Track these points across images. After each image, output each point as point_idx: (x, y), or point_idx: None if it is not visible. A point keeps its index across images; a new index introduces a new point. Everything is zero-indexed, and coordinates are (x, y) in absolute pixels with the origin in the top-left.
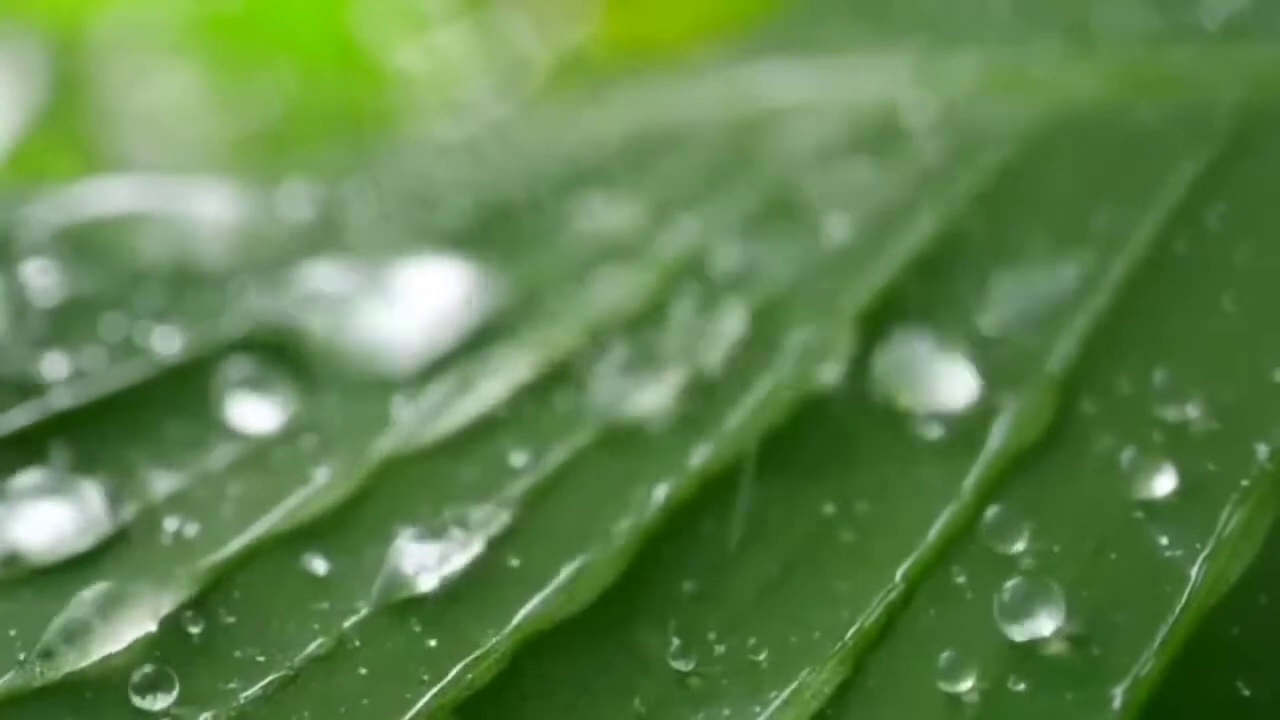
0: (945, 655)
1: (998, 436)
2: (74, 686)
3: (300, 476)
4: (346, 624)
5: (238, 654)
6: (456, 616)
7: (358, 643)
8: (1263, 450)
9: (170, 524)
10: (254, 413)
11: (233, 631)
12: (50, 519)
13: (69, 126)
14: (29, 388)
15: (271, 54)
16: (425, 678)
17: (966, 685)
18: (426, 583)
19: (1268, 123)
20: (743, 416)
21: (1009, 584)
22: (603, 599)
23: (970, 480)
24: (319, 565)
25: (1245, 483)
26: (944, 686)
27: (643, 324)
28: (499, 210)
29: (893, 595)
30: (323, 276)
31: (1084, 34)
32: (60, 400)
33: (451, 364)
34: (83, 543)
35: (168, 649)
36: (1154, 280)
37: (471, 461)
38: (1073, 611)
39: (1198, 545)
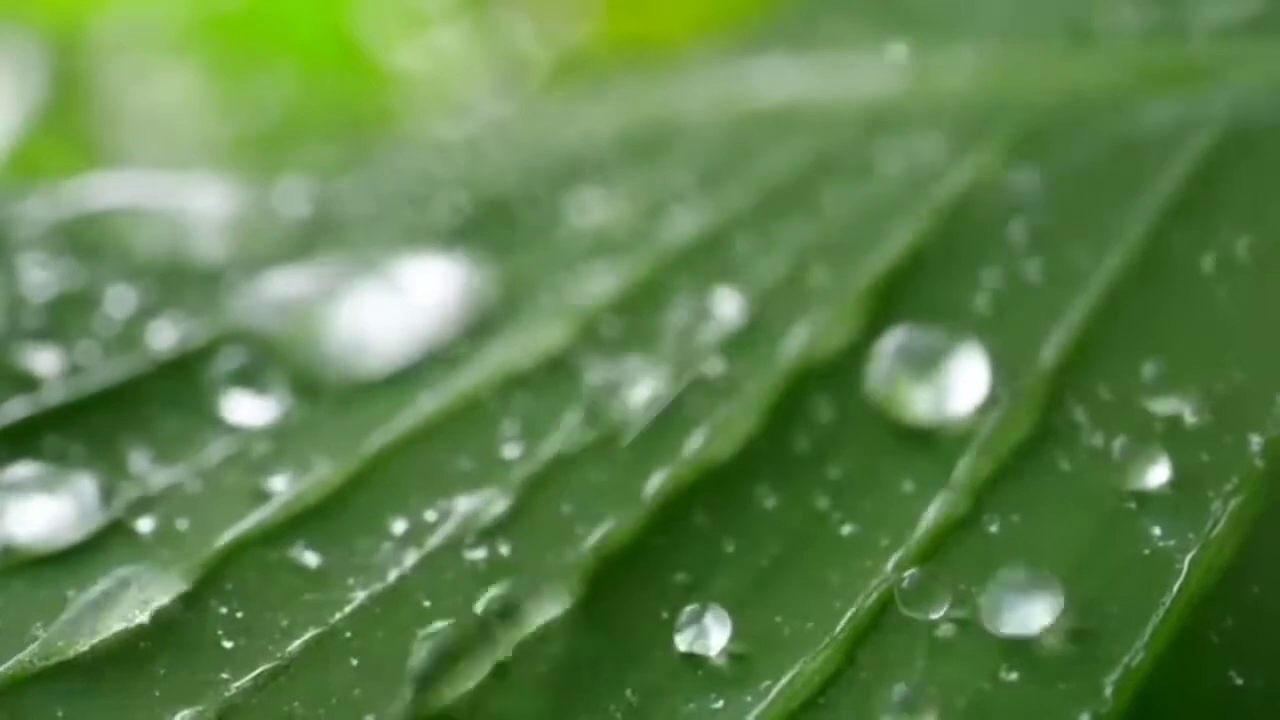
0: (939, 645)
1: (991, 428)
2: (66, 676)
3: (292, 469)
4: (337, 615)
5: (229, 645)
6: (448, 607)
7: (349, 634)
8: (1256, 442)
9: (163, 516)
10: (247, 407)
11: (224, 623)
12: (44, 511)
13: (69, 126)
14: (23, 381)
15: (271, 54)
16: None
17: (959, 676)
18: (417, 574)
19: (1265, 118)
20: (737, 408)
21: (1002, 575)
22: (594, 589)
23: (963, 472)
24: (310, 558)
25: (1238, 474)
26: (937, 676)
27: (636, 316)
28: (495, 206)
29: (885, 586)
30: (318, 271)
31: (1083, 30)
32: (54, 394)
33: (445, 357)
34: (76, 534)
35: (159, 639)
36: (1149, 273)
37: (464, 453)
38: (1065, 602)
39: (1190, 536)
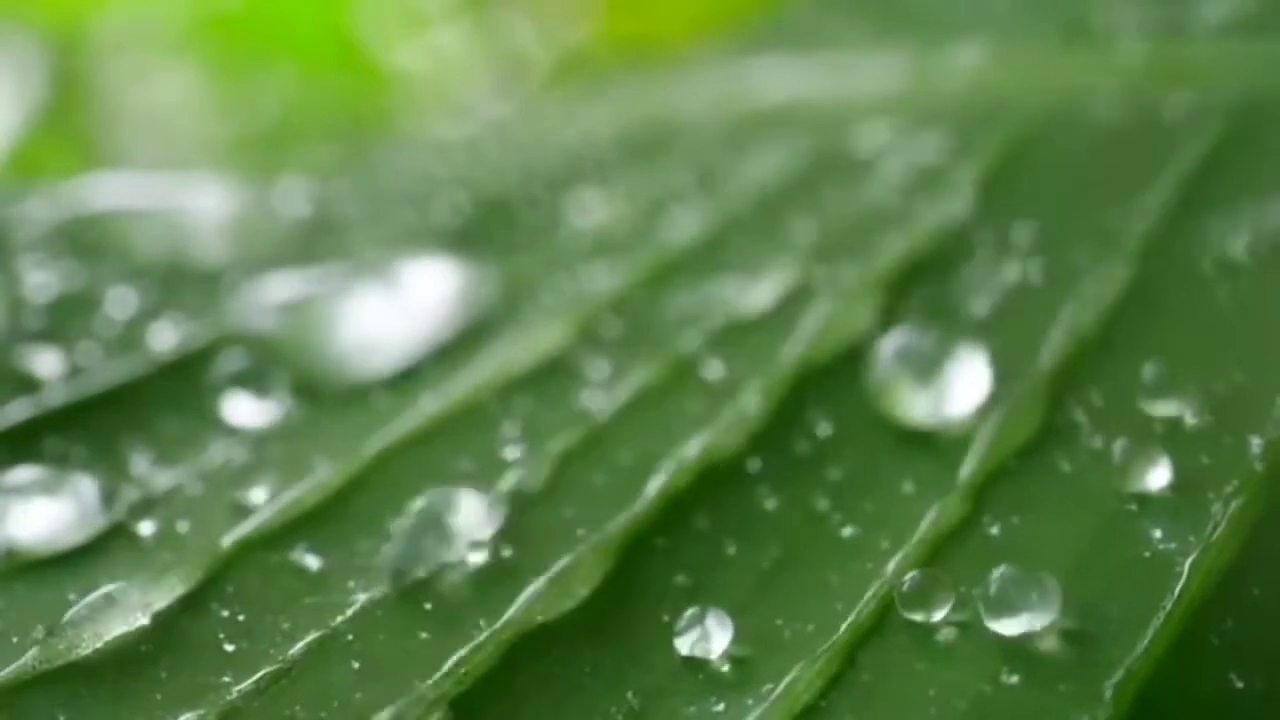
0: (939, 648)
1: (991, 430)
2: (67, 679)
3: (293, 471)
4: (339, 618)
5: (230, 648)
6: (450, 610)
7: (350, 637)
8: (1256, 444)
9: (164, 519)
10: (248, 409)
11: (225, 625)
12: (45, 514)
13: (69, 126)
14: (24, 383)
15: (271, 54)
16: (418, 671)
17: (960, 679)
18: (419, 576)
19: (1265, 118)
20: (737, 408)
21: (1002, 577)
22: (596, 592)
23: (964, 474)
24: (311, 560)
25: (1238, 477)
26: (937, 679)
27: (636, 315)
28: (495, 206)
29: (885, 589)
30: (319, 272)
31: (1083, 30)
32: (55, 396)
33: (446, 358)
34: (77, 537)
35: (160, 642)
36: (1149, 273)
37: (465, 455)
38: (1066, 605)
39: (1191, 539)
